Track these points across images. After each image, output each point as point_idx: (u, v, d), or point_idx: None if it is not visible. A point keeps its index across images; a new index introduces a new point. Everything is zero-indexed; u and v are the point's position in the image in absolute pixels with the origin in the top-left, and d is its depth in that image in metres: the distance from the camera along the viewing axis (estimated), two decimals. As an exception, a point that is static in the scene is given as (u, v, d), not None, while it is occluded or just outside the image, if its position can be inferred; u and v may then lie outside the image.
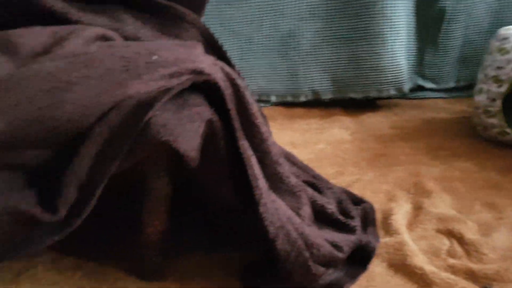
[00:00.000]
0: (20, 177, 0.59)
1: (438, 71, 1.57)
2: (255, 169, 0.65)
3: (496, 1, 1.49)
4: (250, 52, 1.41)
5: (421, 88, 1.60)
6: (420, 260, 0.76)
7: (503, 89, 1.12)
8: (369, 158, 1.15)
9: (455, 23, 1.51)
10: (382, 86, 1.46)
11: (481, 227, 0.85)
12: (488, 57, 1.18)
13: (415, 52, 1.55)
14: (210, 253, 0.79)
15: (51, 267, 0.75)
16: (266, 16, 1.40)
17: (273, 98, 1.46)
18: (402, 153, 1.17)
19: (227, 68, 0.71)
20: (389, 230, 0.84)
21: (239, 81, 0.70)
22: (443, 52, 1.55)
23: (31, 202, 0.58)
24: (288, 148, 1.14)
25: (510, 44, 1.13)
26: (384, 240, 0.81)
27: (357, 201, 0.90)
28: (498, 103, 1.14)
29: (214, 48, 1.01)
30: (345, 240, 0.73)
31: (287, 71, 1.44)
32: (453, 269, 0.75)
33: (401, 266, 0.76)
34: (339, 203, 0.83)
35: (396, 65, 1.46)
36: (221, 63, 0.71)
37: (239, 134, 0.64)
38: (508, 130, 1.15)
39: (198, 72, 0.64)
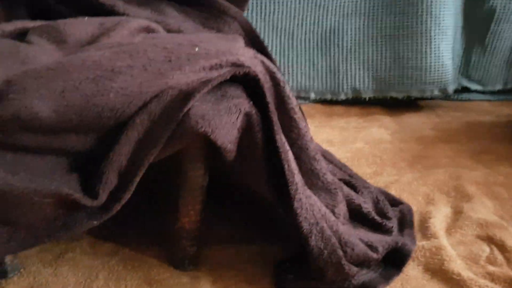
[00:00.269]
0: (64, 162, 0.62)
1: (484, 72, 1.51)
2: (291, 164, 0.64)
3: (551, 1, 1.43)
4: (291, 47, 1.40)
5: (466, 90, 1.54)
6: (457, 265, 0.74)
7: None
8: (408, 159, 1.12)
9: (505, 23, 1.45)
10: (425, 86, 1.42)
11: (525, 235, 0.82)
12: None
13: (462, 52, 1.50)
14: (243, 246, 0.79)
15: (89, 251, 0.77)
16: (308, 12, 1.38)
17: (312, 95, 1.44)
18: (443, 155, 1.14)
19: (267, 62, 0.71)
20: (426, 233, 0.82)
21: (278, 75, 0.70)
22: (490, 53, 1.49)
23: (73, 186, 0.60)
24: (325, 146, 1.13)
25: None
26: (421, 243, 0.79)
27: (395, 202, 0.89)
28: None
29: (255, 42, 1.01)
30: (381, 241, 0.72)
31: (328, 68, 1.42)
32: (492, 277, 0.72)
33: (437, 270, 0.73)
34: (376, 203, 0.81)
35: (441, 65, 1.42)
36: (261, 57, 0.71)
37: (277, 128, 0.63)
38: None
39: (238, 65, 0.64)
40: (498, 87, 1.53)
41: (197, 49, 0.65)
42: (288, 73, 1.41)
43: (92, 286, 0.70)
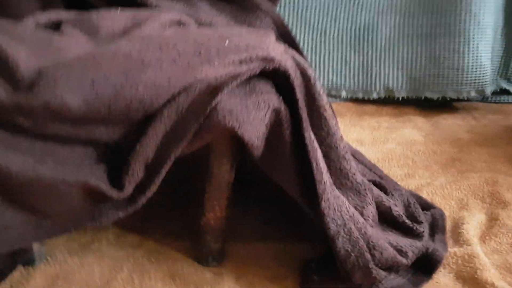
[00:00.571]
0: (92, 153, 0.62)
1: (526, 74, 1.46)
2: (320, 162, 0.63)
3: None
4: (323, 44, 1.38)
5: (504, 92, 1.49)
6: (491, 275, 0.70)
7: None
8: (442, 162, 1.08)
9: (549, 23, 1.39)
10: (462, 87, 1.38)
11: None
12: None
13: (501, 53, 1.45)
14: (268, 243, 0.78)
15: (114, 242, 0.78)
16: (342, 8, 1.36)
17: (344, 94, 1.42)
18: (479, 159, 1.10)
19: (298, 57, 0.69)
20: (459, 240, 0.79)
21: (309, 71, 0.69)
22: (533, 54, 1.44)
23: (100, 177, 0.60)
24: (355, 146, 1.11)
25: None
26: (453, 250, 0.76)
27: (426, 206, 0.86)
28: None
29: (286, 38, 1.00)
30: (411, 246, 0.70)
31: (360, 66, 1.40)
32: (529, 289, 0.69)
33: (470, 279, 0.70)
34: (407, 206, 0.79)
35: (479, 65, 1.37)
36: (292, 52, 0.69)
37: (306, 125, 0.62)
38: None
39: (268, 60, 0.63)
40: (539, 90, 1.47)
41: (227, 42, 0.64)
42: (319, 71, 1.39)
43: (116, 278, 0.71)
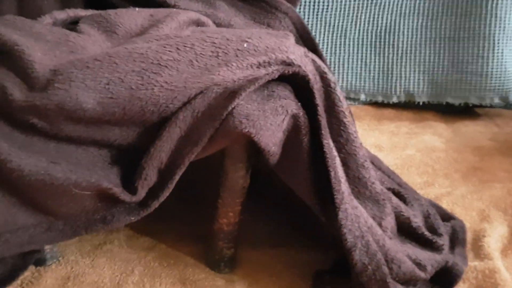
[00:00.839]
0: (105, 155, 0.61)
1: (552, 81, 1.41)
2: (338, 171, 0.61)
3: None
4: (343, 46, 1.36)
5: (530, 99, 1.44)
6: (513, 292, 0.68)
7: None
8: (463, 170, 1.05)
9: None
10: (485, 93, 1.34)
11: None
12: None
13: (527, 59, 1.40)
14: (281, 250, 0.77)
15: (126, 244, 0.77)
16: (363, 10, 1.33)
17: (363, 97, 1.39)
18: (501, 169, 1.07)
19: (318, 61, 0.67)
20: (479, 253, 0.77)
21: (329, 76, 0.67)
22: (560, 60, 1.39)
23: (113, 180, 0.59)
24: (373, 151, 1.08)
25: None
26: (473, 263, 0.74)
27: (446, 217, 0.83)
28: None
29: (306, 39, 0.98)
30: (430, 259, 0.67)
31: (381, 69, 1.37)
32: (553, 308, 0.66)
33: (490, 295, 0.68)
34: (426, 217, 0.76)
35: (504, 71, 1.33)
36: (312, 55, 0.67)
37: (325, 132, 0.60)
38: None
39: (287, 63, 0.61)
40: None
41: (245, 45, 0.62)
42: (339, 73, 1.37)
43: (127, 281, 0.70)
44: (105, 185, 0.57)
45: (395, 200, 0.73)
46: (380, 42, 1.35)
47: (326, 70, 0.68)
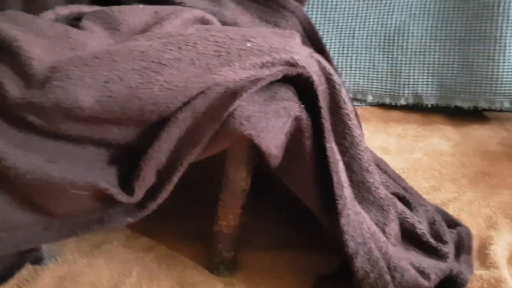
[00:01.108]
0: (104, 154, 0.60)
1: None
2: (341, 175, 0.59)
3: None
4: (351, 46, 1.34)
5: (541, 104, 1.42)
6: (520, 302, 0.66)
7: None
8: (470, 175, 1.04)
9: None
10: (495, 97, 1.32)
11: None
12: None
13: (539, 62, 1.38)
14: (282, 253, 0.76)
15: (125, 244, 0.76)
16: (372, 10, 1.31)
17: (370, 98, 1.37)
18: (510, 174, 1.05)
19: (324, 62, 0.66)
20: (485, 261, 0.75)
21: (335, 78, 0.65)
22: None
23: (110, 180, 0.58)
24: (380, 154, 1.07)
25: None
26: (479, 272, 0.72)
27: (452, 223, 0.81)
28: None
29: (313, 39, 0.97)
30: (434, 267, 0.66)
31: (389, 70, 1.35)
32: (561, 321, 0.64)
33: (496, 306, 0.66)
34: (432, 224, 0.75)
35: (515, 74, 1.31)
36: (317, 56, 0.66)
37: (328, 135, 0.59)
38: None
39: (291, 64, 0.60)
40: None
41: (249, 44, 0.61)
42: (346, 73, 1.35)
43: (124, 282, 0.69)
44: (102, 185, 0.56)
45: (400, 205, 0.71)
46: (389, 42, 1.33)
47: (331, 71, 0.66)
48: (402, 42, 1.33)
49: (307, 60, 0.63)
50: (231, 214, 0.67)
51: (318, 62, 0.66)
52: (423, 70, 1.34)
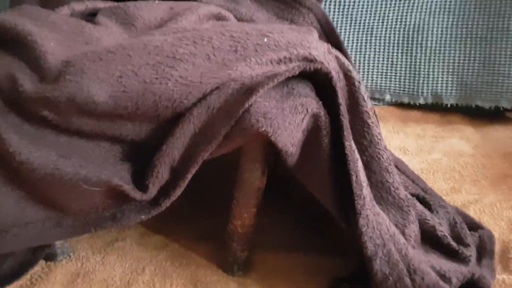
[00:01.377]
0: (117, 150, 0.59)
1: None
2: (360, 175, 0.57)
3: None
4: (369, 44, 1.32)
5: None
6: (545, 309, 0.64)
7: None
8: (492, 177, 1.01)
9: None
10: (517, 97, 1.28)
11: None
12: None
13: None
14: (298, 254, 0.75)
15: (138, 242, 0.75)
16: (391, 7, 1.29)
17: (388, 97, 1.35)
18: (533, 177, 1.01)
19: (342, 58, 0.64)
20: (508, 266, 0.73)
21: (354, 74, 0.63)
22: None
23: (124, 177, 0.57)
24: (398, 154, 1.05)
25: None
26: (501, 277, 0.70)
27: (474, 226, 0.79)
28: None
29: (330, 36, 0.95)
30: (455, 271, 0.63)
31: (408, 69, 1.32)
32: None
33: (520, 312, 0.64)
34: (453, 226, 0.72)
35: (538, 74, 1.27)
36: (336, 52, 0.64)
37: (347, 133, 0.57)
38: None
39: (309, 60, 0.58)
40: None
41: (265, 39, 0.59)
42: (364, 71, 1.33)
43: (137, 280, 0.68)
44: (115, 181, 0.55)
45: (419, 207, 0.69)
46: (408, 40, 1.31)
47: (350, 67, 0.64)
48: (422, 40, 1.30)
49: (325, 55, 0.61)
50: (246, 213, 0.66)
51: (337, 58, 0.64)
52: (443, 69, 1.31)
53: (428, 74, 1.32)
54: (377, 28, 1.30)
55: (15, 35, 0.59)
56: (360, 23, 1.30)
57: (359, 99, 0.62)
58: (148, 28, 0.73)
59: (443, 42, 1.30)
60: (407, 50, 1.31)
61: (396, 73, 1.33)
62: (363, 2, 1.28)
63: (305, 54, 0.59)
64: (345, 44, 1.10)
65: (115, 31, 0.70)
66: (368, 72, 1.33)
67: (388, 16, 1.29)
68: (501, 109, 1.33)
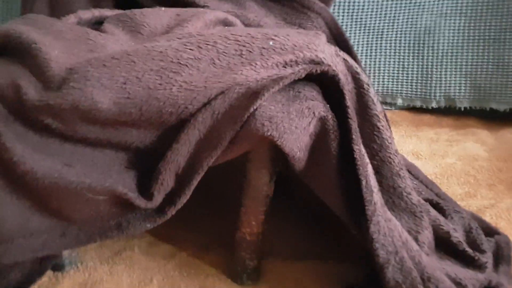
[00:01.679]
0: (122, 158, 0.58)
1: None
2: (370, 180, 0.56)
3: None
4: (379, 48, 1.30)
5: None
6: None
7: None
8: (508, 181, 0.98)
9: None
10: (533, 99, 1.26)
11: None
12: None
13: None
14: (308, 262, 0.73)
15: (146, 251, 0.74)
16: (401, 10, 1.27)
17: (399, 101, 1.33)
18: (551, 180, 0.99)
19: (351, 61, 0.63)
20: (527, 273, 0.70)
21: (363, 77, 0.62)
22: None
23: (128, 185, 0.56)
24: (411, 159, 1.03)
25: None
26: (521, 284, 0.67)
27: (490, 231, 0.76)
28: None
29: (340, 40, 0.94)
30: (471, 278, 0.61)
31: (419, 72, 1.30)
32: None
33: (541, 321, 0.61)
34: (468, 231, 0.70)
35: (554, 75, 1.24)
36: (344, 55, 0.63)
37: (356, 137, 0.55)
38: None
39: (316, 62, 0.57)
40: None
41: (271, 42, 0.59)
42: (375, 76, 1.31)
43: (145, 290, 0.67)
44: (120, 189, 0.54)
45: (433, 212, 0.67)
46: (419, 43, 1.29)
47: (359, 70, 0.63)
48: (433, 43, 1.28)
49: (332, 58, 0.60)
50: (254, 221, 0.64)
51: (345, 61, 0.63)
52: (455, 71, 1.29)
53: (441, 77, 1.30)
54: (387, 31, 1.29)
55: (19, 44, 0.59)
56: (369, 26, 1.29)
57: (368, 102, 0.61)
58: (154, 35, 0.73)
59: (455, 44, 1.28)
60: (418, 53, 1.29)
61: (407, 77, 1.31)
62: (372, 5, 1.27)
63: (311, 56, 0.58)
64: (355, 49, 1.09)
65: (121, 39, 0.70)
66: (379, 76, 1.31)
67: (398, 19, 1.28)
68: (516, 111, 1.30)
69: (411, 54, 1.30)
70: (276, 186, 0.63)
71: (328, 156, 0.55)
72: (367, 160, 0.57)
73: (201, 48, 0.58)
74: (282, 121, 0.51)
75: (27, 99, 0.54)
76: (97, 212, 0.56)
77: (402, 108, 1.35)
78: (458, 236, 0.66)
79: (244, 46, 0.59)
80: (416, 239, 0.59)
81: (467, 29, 1.27)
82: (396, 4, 1.27)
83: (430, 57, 1.29)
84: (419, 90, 1.31)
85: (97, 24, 0.78)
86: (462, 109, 1.31)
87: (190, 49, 0.58)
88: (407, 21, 1.28)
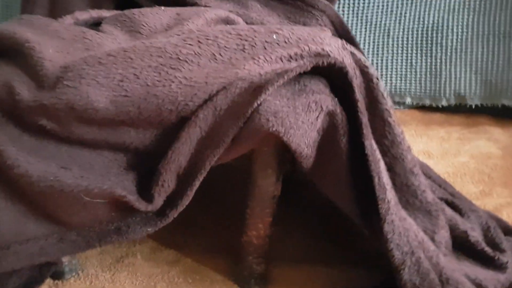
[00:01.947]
0: (121, 159, 0.56)
1: None
2: (383, 177, 0.53)
3: None
4: (386, 46, 1.28)
5: None
6: None
7: None
8: (524, 178, 0.95)
9: None
10: (546, 94, 1.23)
11: None
12: None
13: None
14: (318, 266, 0.71)
15: (149, 257, 0.72)
16: (408, 6, 1.25)
17: (408, 100, 1.31)
18: None
19: (359, 54, 0.60)
20: (549, 273, 0.67)
21: (371, 70, 0.59)
22: None
23: (127, 187, 0.53)
24: (422, 158, 1.01)
25: None
26: (543, 285, 0.64)
27: (508, 230, 0.73)
28: None
29: (345, 39, 0.90)
30: (492, 279, 0.58)
31: (428, 70, 1.28)
32: None
33: None
34: (486, 230, 0.67)
35: None
36: (351, 48, 0.60)
37: (366, 132, 0.53)
38: None
39: (322, 55, 0.54)
40: None
41: (275, 36, 0.56)
42: (382, 74, 1.29)
43: (148, 298, 0.64)
44: (119, 192, 0.52)
45: (449, 211, 0.64)
46: (427, 41, 1.27)
47: (367, 63, 0.60)
48: (442, 40, 1.26)
49: (339, 51, 0.57)
50: (261, 223, 0.62)
51: (352, 54, 0.60)
52: (465, 68, 1.27)
53: (450, 75, 1.27)
54: (394, 29, 1.27)
55: (13, 44, 0.57)
56: (376, 24, 1.26)
57: (378, 96, 0.58)
58: (154, 34, 0.71)
59: (464, 40, 1.25)
60: (426, 50, 1.27)
61: (416, 75, 1.29)
62: (379, 3, 1.25)
63: (317, 50, 0.55)
64: (361, 47, 1.06)
65: (119, 38, 0.68)
66: (386, 75, 1.29)
67: (405, 16, 1.26)
68: (529, 107, 1.27)
69: (419, 52, 1.27)
70: (282, 189, 0.60)
71: (337, 153, 0.52)
72: (379, 156, 0.54)
73: (201, 43, 0.56)
74: (288, 116, 0.49)
75: (20, 99, 0.52)
76: (96, 216, 0.54)
77: (411, 107, 1.32)
78: (476, 235, 0.63)
79: (246, 40, 0.56)
80: (432, 239, 0.56)
81: (476, 24, 1.24)
82: (403, 1, 1.25)
83: (439, 54, 1.27)
84: (428, 88, 1.28)
85: (95, 25, 0.76)
86: (473, 106, 1.29)
87: (190, 44, 0.55)
88: (414, 18, 1.26)
